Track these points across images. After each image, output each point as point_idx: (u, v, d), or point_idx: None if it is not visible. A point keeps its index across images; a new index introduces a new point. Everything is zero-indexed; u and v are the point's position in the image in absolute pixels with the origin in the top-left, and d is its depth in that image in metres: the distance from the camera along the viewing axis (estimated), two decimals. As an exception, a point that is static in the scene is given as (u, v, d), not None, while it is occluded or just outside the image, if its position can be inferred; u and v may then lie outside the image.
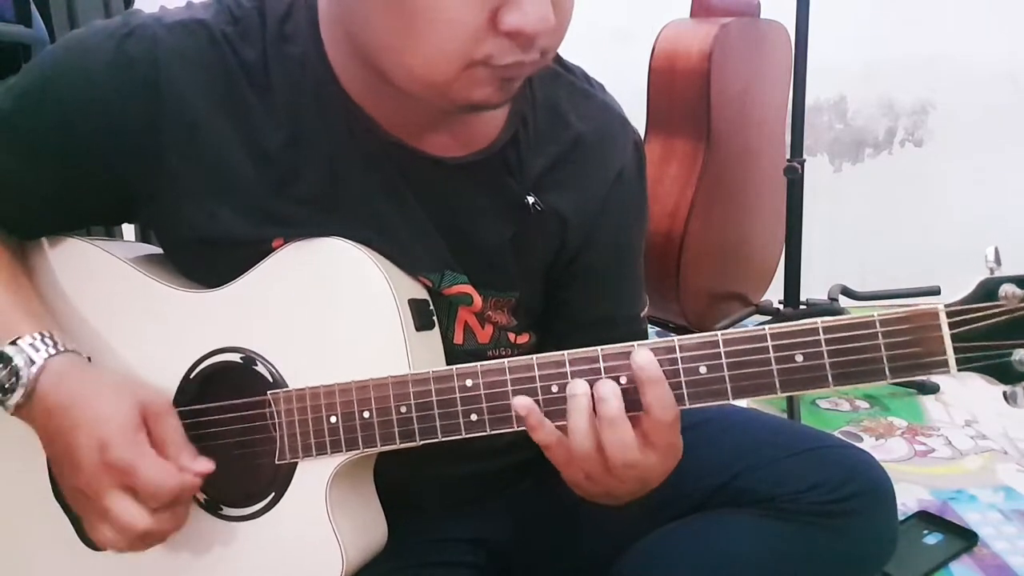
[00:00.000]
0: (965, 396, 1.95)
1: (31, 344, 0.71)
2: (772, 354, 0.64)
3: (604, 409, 0.66)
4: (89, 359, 0.75)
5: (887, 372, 0.62)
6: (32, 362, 0.70)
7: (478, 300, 0.81)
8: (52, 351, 0.71)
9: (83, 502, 0.71)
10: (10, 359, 0.70)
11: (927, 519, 1.47)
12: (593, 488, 0.71)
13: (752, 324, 2.09)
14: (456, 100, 0.68)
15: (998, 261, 0.61)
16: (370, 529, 0.78)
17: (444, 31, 0.63)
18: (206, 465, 0.72)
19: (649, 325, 0.96)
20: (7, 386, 0.70)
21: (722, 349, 0.65)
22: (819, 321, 0.63)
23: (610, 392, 0.66)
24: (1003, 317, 0.60)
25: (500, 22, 0.63)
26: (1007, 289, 0.60)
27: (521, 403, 0.68)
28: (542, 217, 0.82)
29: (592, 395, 0.67)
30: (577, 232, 0.84)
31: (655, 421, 0.66)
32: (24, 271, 0.80)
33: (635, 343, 0.67)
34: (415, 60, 0.66)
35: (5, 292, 0.76)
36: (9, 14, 1.29)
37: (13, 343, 0.71)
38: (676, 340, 0.66)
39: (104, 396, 0.71)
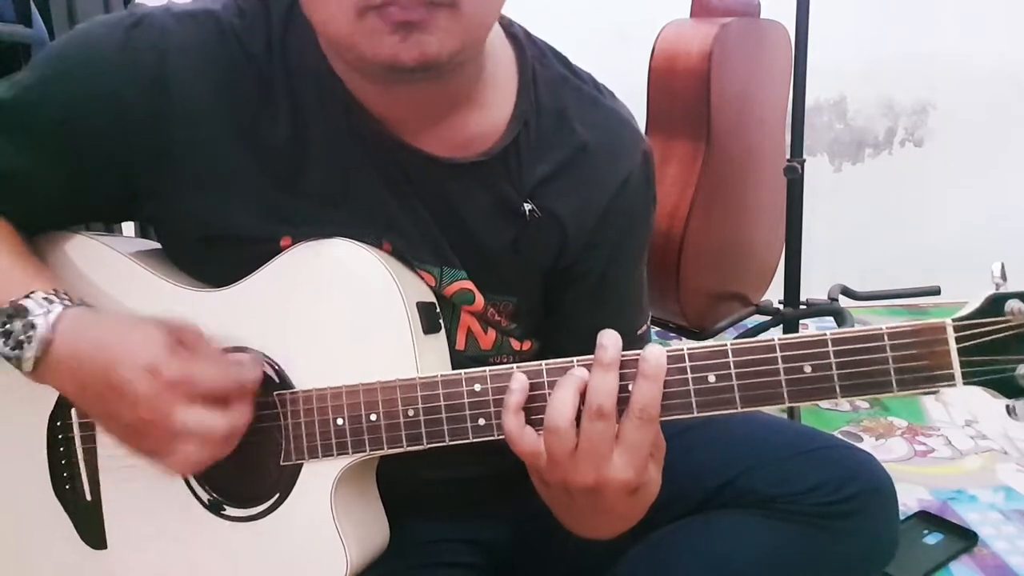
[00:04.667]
0: (965, 396, 1.95)
1: (45, 298, 0.71)
2: (781, 364, 0.64)
3: (594, 398, 0.65)
4: None
5: (894, 384, 0.63)
6: (48, 312, 0.70)
7: (479, 298, 0.81)
8: (67, 303, 0.71)
9: (147, 435, 0.69)
10: (26, 311, 0.70)
11: (927, 519, 1.48)
12: (552, 475, 0.68)
13: (752, 324, 2.10)
14: (369, 59, 0.66)
15: (1004, 276, 0.62)
16: (373, 530, 0.78)
17: None
18: (255, 356, 0.72)
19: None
20: (23, 339, 0.69)
21: (731, 359, 0.65)
22: (828, 332, 0.64)
23: (608, 387, 0.65)
24: (1009, 332, 0.61)
25: None
26: (1013, 305, 0.61)
27: (519, 378, 0.67)
28: (540, 223, 0.81)
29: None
30: (577, 239, 0.83)
31: (633, 417, 0.65)
32: (29, 245, 0.79)
33: (648, 347, 0.67)
34: (318, 15, 0.67)
35: (14, 257, 0.76)
36: (9, 14, 1.28)
37: (27, 296, 0.70)
38: (686, 349, 0.66)
39: (129, 329, 0.70)
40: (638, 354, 0.66)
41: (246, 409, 0.71)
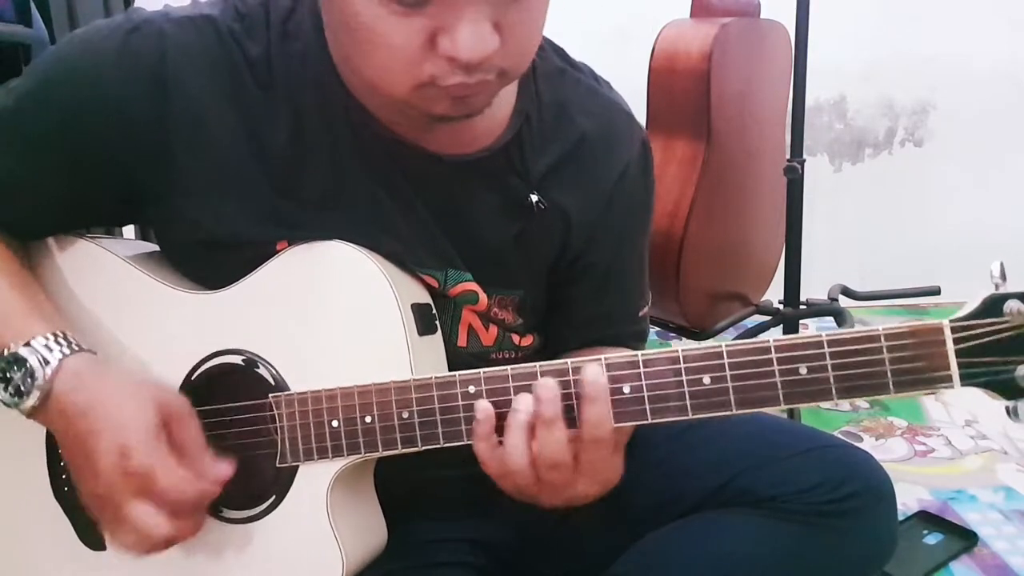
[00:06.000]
0: (965, 396, 1.93)
1: (45, 345, 0.70)
2: (776, 366, 0.64)
3: (546, 453, 0.67)
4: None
5: (891, 386, 0.63)
6: (47, 362, 0.69)
7: (483, 298, 0.82)
8: (67, 351, 0.70)
9: (101, 507, 0.70)
10: (24, 361, 0.69)
11: (927, 519, 1.47)
12: (523, 498, 0.72)
13: (752, 324, 2.10)
14: (421, 112, 0.69)
15: (1003, 276, 0.62)
16: (370, 531, 0.78)
17: (385, 54, 0.65)
18: (226, 470, 0.71)
19: (649, 325, 0.96)
20: (23, 388, 0.69)
21: (726, 360, 0.65)
22: (823, 334, 0.63)
23: (556, 440, 0.67)
24: (1007, 333, 0.61)
25: (437, 46, 0.63)
26: (1012, 305, 0.60)
27: (482, 407, 0.68)
28: (545, 215, 0.82)
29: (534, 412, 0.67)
30: (580, 230, 0.84)
31: (588, 442, 0.67)
32: (29, 271, 0.79)
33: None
34: (370, 75, 0.68)
35: (14, 292, 0.75)
36: (9, 14, 1.28)
37: (27, 344, 0.70)
38: (680, 351, 0.66)
39: (123, 399, 0.70)
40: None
41: (197, 521, 0.71)
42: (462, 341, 0.82)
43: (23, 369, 0.69)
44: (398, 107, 0.70)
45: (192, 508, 0.70)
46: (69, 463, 0.73)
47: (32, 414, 0.70)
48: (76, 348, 0.71)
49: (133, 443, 0.68)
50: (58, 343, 0.71)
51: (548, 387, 0.67)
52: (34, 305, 0.75)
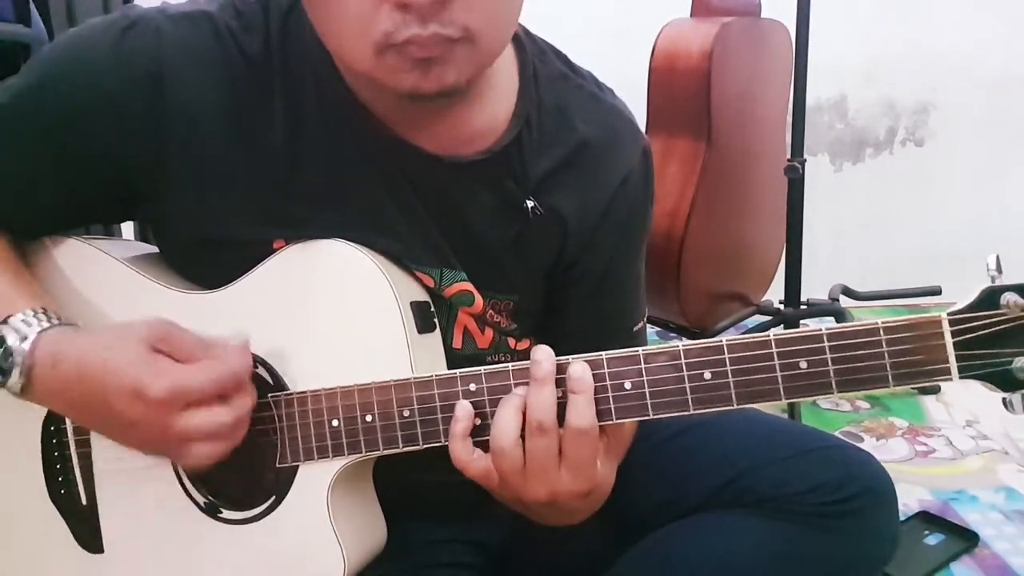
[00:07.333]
0: (966, 396, 1.95)
1: (23, 320, 0.70)
2: (776, 361, 0.64)
3: (533, 414, 0.67)
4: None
5: (890, 379, 0.63)
6: (24, 338, 0.69)
7: (479, 300, 0.81)
8: (45, 324, 0.70)
9: (160, 444, 0.70)
10: (2, 339, 0.69)
11: (928, 519, 1.47)
12: (505, 493, 0.71)
13: (753, 324, 2.10)
14: (391, 87, 0.67)
15: (999, 269, 0.62)
16: (370, 531, 0.78)
17: (340, 13, 0.64)
18: (241, 343, 0.71)
19: (649, 325, 0.95)
20: (4, 367, 0.69)
21: (727, 355, 0.65)
22: (823, 328, 0.64)
23: (545, 402, 0.67)
24: (1004, 325, 0.61)
25: None
26: (1009, 298, 0.61)
27: (464, 406, 0.69)
28: (542, 221, 0.81)
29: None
30: (577, 237, 0.83)
31: (571, 432, 0.67)
32: (20, 258, 0.79)
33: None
34: (335, 46, 0.68)
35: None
36: (8, 13, 1.28)
37: (4, 322, 0.70)
38: (681, 346, 0.66)
39: (105, 348, 0.69)
40: (635, 354, 0.66)
41: (245, 396, 0.71)
42: (457, 343, 0.82)
43: (3, 348, 0.69)
44: (376, 87, 0.69)
45: (235, 385, 0.70)
46: (98, 428, 0.74)
47: (25, 393, 0.70)
48: (55, 321, 0.71)
49: (139, 378, 0.67)
50: (37, 318, 0.71)
51: (544, 350, 0.67)
52: (17, 283, 0.75)
